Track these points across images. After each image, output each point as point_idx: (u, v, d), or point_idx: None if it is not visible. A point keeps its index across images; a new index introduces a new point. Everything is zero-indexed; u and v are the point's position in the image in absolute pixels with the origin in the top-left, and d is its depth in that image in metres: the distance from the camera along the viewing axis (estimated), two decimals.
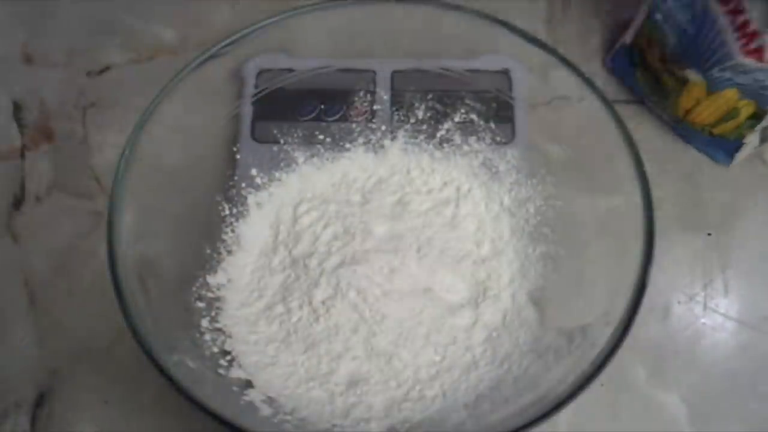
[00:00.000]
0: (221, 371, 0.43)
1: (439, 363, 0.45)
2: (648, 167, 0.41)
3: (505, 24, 0.46)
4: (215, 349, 0.44)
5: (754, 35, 0.44)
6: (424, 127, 0.52)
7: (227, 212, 0.49)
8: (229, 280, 0.48)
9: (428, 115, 0.52)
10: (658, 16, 0.50)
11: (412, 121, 0.52)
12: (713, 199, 0.53)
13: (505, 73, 0.51)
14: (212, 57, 0.46)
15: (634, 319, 0.38)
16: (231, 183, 0.50)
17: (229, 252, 0.48)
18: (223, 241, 0.49)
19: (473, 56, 0.51)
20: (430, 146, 0.52)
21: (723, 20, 0.46)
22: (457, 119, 0.51)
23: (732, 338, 0.49)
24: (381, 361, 0.44)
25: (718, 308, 0.50)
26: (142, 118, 0.43)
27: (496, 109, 0.51)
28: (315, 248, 0.47)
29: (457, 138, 0.51)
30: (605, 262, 0.43)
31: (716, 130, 0.51)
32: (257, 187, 0.50)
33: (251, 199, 0.50)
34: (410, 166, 0.52)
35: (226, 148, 0.50)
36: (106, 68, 0.59)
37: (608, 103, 0.43)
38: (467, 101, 0.51)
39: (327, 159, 0.52)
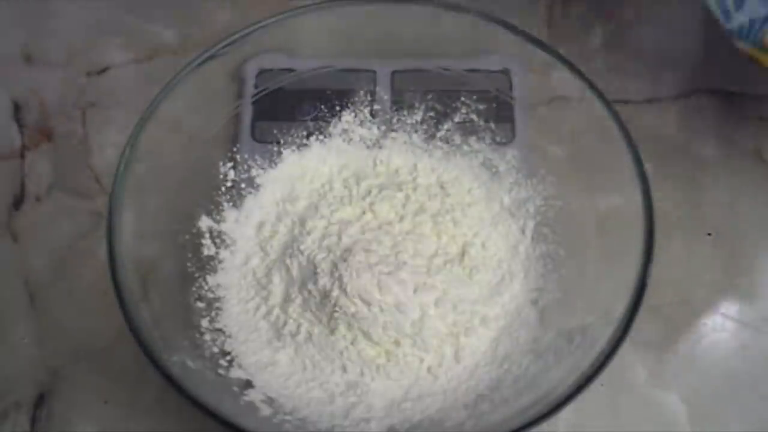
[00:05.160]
0: (221, 371, 0.43)
1: (439, 362, 0.45)
2: (648, 167, 0.41)
3: (505, 24, 0.46)
4: (215, 349, 0.44)
5: None
6: (424, 127, 0.52)
7: (227, 212, 0.49)
8: (229, 280, 0.48)
9: (428, 115, 0.52)
10: None
11: (412, 121, 0.52)
12: (713, 199, 0.53)
13: (505, 73, 0.51)
14: (212, 57, 0.46)
15: (634, 319, 0.38)
16: (231, 183, 0.50)
17: (230, 252, 0.48)
18: (223, 241, 0.49)
19: (473, 56, 0.51)
20: (430, 146, 0.52)
21: None
22: (457, 119, 0.51)
23: (732, 338, 0.49)
24: (381, 360, 0.44)
25: (717, 308, 0.49)
26: (142, 118, 0.43)
27: (496, 109, 0.51)
28: (315, 248, 0.47)
29: (457, 138, 0.51)
30: (605, 262, 0.43)
31: None
32: (257, 187, 0.50)
33: (251, 199, 0.50)
34: (410, 166, 0.52)
35: (226, 148, 0.50)
36: (106, 68, 0.59)
37: (608, 103, 0.43)
38: (467, 101, 0.51)
39: (327, 159, 0.52)
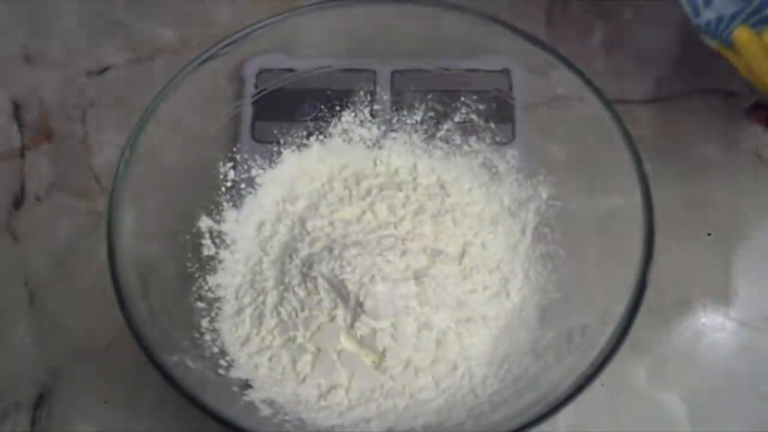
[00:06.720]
0: (221, 371, 0.43)
1: (438, 363, 0.45)
2: (648, 167, 0.41)
3: (505, 24, 0.46)
4: (215, 350, 0.44)
5: None
6: (424, 127, 0.52)
7: (227, 212, 0.49)
8: (229, 280, 0.48)
9: (428, 115, 0.52)
10: None
11: (412, 121, 0.52)
12: (713, 199, 0.53)
13: (505, 73, 0.51)
14: (212, 57, 0.46)
15: (634, 319, 0.38)
16: (231, 183, 0.50)
17: (230, 252, 0.48)
18: (223, 241, 0.49)
19: (473, 56, 0.51)
20: (430, 146, 0.52)
21: None
22: (457, 119, 0.51)
23: (732, 338, 0.49)
24: (380, 360, 0.44)
25: (717, 308, 0.50)
26: (142, 118, 0.43)
27: (496, 109, 0.51)
28: (315, 248, 0.47)
29: (457, 138, 0.52)
30: (605, 262, 0.44)
31: None
32: (257, 187, 0.50)
33: (251, 199, 0.50)
34: (410, 166, 0.52)
35: (226, 148, 0.50)
36: (106, 68, 0.59)
37: (608, 103, 0.43)
38: (467, 101, 0.51)
39: (327, 159, 0.52)
